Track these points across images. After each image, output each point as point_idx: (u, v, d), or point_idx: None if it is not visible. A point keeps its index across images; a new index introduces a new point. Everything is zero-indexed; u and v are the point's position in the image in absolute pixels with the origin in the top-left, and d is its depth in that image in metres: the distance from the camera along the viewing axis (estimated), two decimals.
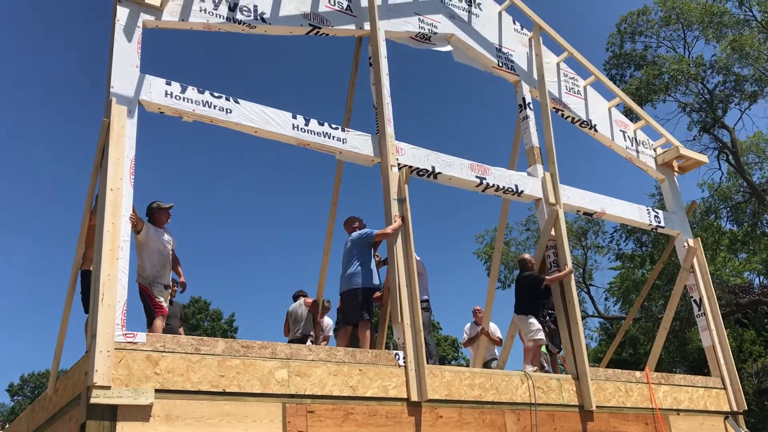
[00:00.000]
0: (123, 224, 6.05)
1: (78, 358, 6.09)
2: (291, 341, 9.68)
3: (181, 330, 8.86)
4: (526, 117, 10.18)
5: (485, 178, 9.10)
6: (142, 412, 5.56)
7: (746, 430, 10.03)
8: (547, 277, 9.21)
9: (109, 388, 5.45)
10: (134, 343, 5.74)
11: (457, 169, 8.88)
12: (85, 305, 6.97)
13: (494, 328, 11.62)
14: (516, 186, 9.37)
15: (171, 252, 7.48)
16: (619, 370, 9.50)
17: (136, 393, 5.55)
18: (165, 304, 7.06)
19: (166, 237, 7.39)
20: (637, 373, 9.50)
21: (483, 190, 9.16)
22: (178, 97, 6.98)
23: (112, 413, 5.44)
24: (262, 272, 69.60)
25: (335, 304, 9.76)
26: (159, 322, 6.88)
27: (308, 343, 9.54)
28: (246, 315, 62.05)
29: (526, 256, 10.01)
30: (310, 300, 9.98)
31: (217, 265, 67.26)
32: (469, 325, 11.86)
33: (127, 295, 5.92)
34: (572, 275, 9.22)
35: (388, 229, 7.78)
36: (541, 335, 9.30)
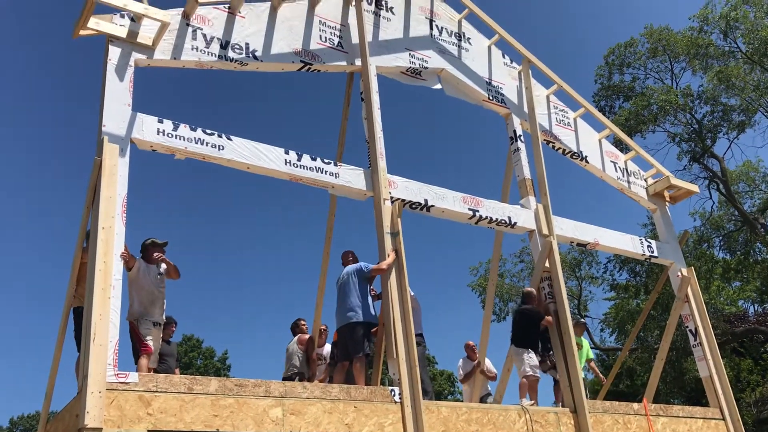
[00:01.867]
0: (115, 263, 6.01)
1: (69, 399, 6.00)
2: (284, 379, 9.56)
3: (176, 371, 8.75)
4: (518, 149, 10.24)
5: (478, 211, 9.11)
6: None
7: None
8: (546, 317, 9.17)
9: (101, 429, 5.36)
10: (126, 383, 5.66)
11: (450, 201, 8.90)
12: (78, 342, 6.89)
13: (489, 364, 11.52)
14: (509, 218, 9.39)
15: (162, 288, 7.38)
16: (617, 402, 9.42)
17: None
18: (151, 343, 6.97)
19: (157, 272, 7.31)
20: (635, 405, 9.42)
21: (476, 223, 9.16)
22: (170, 135, 7.00)
23: None
24: (256, 309, 69.15)
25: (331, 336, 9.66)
26: (144, 361, 6.79)
27: (296, 380, 9.40)
28: (240, 353, 61.49)
29: (531, 289, 9.90)
30: (305, 337, 9.87)
31: (211, 302, 66.82)
32: (461, 360, 11.75)
33: (119, 335, 5.86)
34: (567, 305, 9.19)
35: (383, 265, 7.75)
36: (537, 372, 9.21)
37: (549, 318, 9.16)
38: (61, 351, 7.08)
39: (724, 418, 10.18)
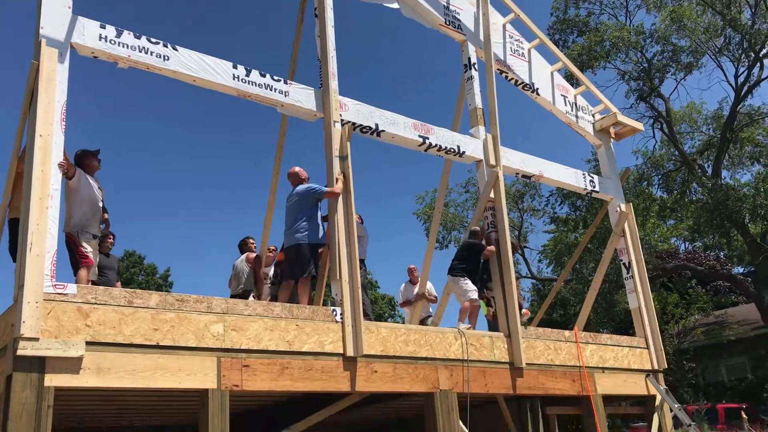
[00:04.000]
0: (53, 172, 5.83)
1: (4, 309, 5.90)
2: (233, 297, 9.57)
3: (118, 284, 8.66)
4: (471, 78, 10.19)
5: (428, 138, 9.11)
6: (72, 365, 5.44)
7: (665, 387, 10.53)
8: (489, 248, 9.36)
9: (37, 339, 5.31)
10: (64, 294, 5.59)
11: (400, 127, 8.86)
12: (12, 254, 6.72)
13: (430, 287, 11.77)
14: (458, 147, 9.42)
15: (101, 202, 7.24)
16: (549, 329, 9.81)
17: (66, 345, 5.43)
18: (91, 255, 6.86)
19: (96, 185, 7.15)
20: (566, 332, 9.82)
21: (425, 150, 9.17)
22: (113, 42, 6.70)
23: (40, 365, 5.31)
24: (201, 227, 68.50)
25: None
26: (83, 273, 6.68)
27: (250, 298, 9.43)
28: (182, 271, 61.17)
29: (478, 228, 10.05)
30: (252, 255, 9.83)
31: (153, 218, 65.84)
32: (404, 285, 11.97)
33: (57, 246, 5.74)
34: (508, 235, 9.38)
35: (336, 189, 7.73)
36: (475, 295, 9.48)
37: (491, 248, 9.36)
38: None
39: (648, 347, 10.73)
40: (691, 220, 25.39)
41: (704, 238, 26.89)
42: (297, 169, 8.50)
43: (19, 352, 5.19)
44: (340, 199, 7.80)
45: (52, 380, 5.33)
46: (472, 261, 9.51)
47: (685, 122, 25.95)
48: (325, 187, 7.95)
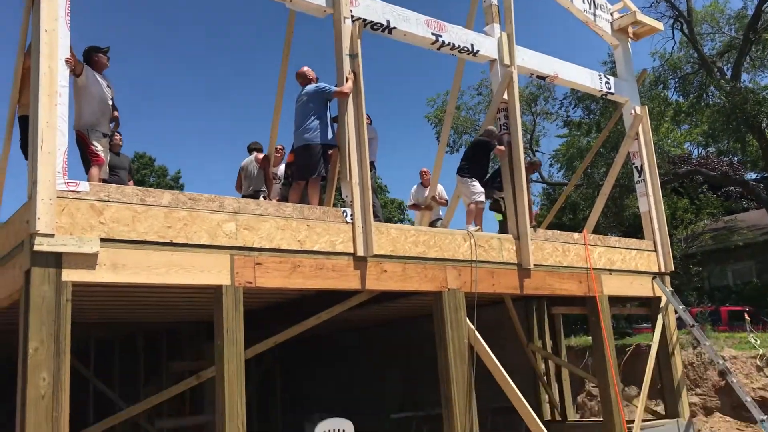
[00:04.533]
0: (60, 68, 5.74)
1: (19, 207, 5.96)
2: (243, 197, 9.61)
3: (130, 183, 8.70)
4: None
5: (441, 36, 8.87)
6: (88, 261, 5.55)
7: (671, 289, 10.68)
8: (498, 147, 9.29)
9: (53, 236, 5.39)
10: (77, 192, 5.63)
11: (413, 24, 8.61)
12: (24, 152, 6.74)
13: (441, 190, 11.78)
14: (472, 45, 9.19)
15: (111, 101, 7.18)
16: (558, 231, 9.88)
17: (81, 241, 5.51)
18: (102, 154, 6.86)
19: (106, 83, 7.07)
20: (575, 235, 9.89)
21: (438, 49, 8.96)
22: None
23: (57, 261, 5.42)
24: (210, 128, 68.23)
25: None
26: (95, 171, 6.70)
27: (260, 199, 9.47)
28: (193, 172, 61.44)
29: (493, 128, 9.92)
30: (261, 156, 9.81)
31: (163, 120, 65.55)
32: (415, 187, 11.97)
33: (67, 143, 5.73)
34: (521, 137, 9.29)
35: (346, 88, 7.61)
36: (482, 198, 9.49)
37: (501, 147, 9.29)
38: (7, 160, 6.95)
39: (656, 250, 10.82)
40: (706, 124, 25.02)
41: (718, 143, 26.58)
42: (305, 69, 8.35)
43: (36, 248, 5.29)
44: (350, 99, 7.69)
45: (69, 275, 5.45)
46: (481, 160, 9.47)
47: (706, 22, 25.09)
48: (335, 86, 7.83)
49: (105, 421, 6.41)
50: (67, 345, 5.35)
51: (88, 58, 6.96)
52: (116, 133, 8.58)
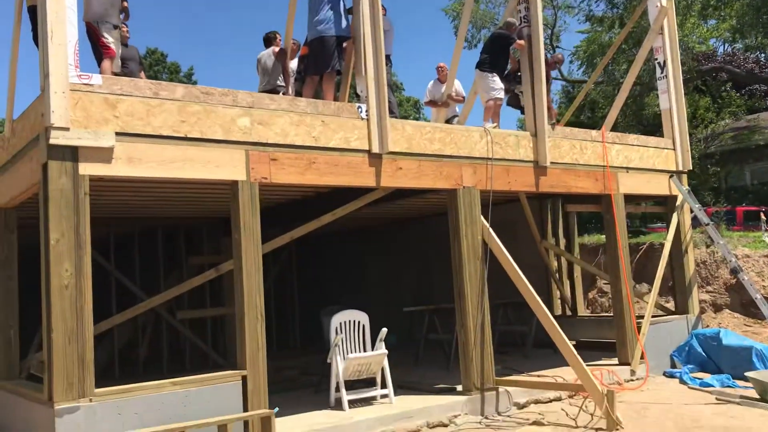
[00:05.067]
0: None
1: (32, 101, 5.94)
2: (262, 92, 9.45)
3: (141, 74, 8.58)
4: None
5: None
6: (103, 154, 5.57)
7: (688, 188, 10.62)
8: (518, 41, 9.03)
9: (68, 129, 5.39)
10: (90, 85, 5.59)
11: None
12: (36, 44, 6.64)
13: (458, 86, 11.56)
14: None
15: None
16: (576, 129, 9.75)
17: (96, 135, 5.52)
18: (113, 46, 6.74)
19: None
20: (593, 132, 9.76)
21: None
22: None
23: (73, 155, 5.45)
24: (223, 22, 66.70)
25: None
26: (107, 64, 6.62)
27: (282, 93, 9.32)
28: (206, 69, 60.64)
29: (514, 20, 9.62)
30: (278, 49, 9.58)
31: (175, 14, 64.07)
32: (431, 83, 11.72)
33: (78, 35, 5.63)
34: (541, 30, 9.02)
35: None
36: (501, 94, 9.33)
37: (521, 41, 9.03)
38: (17, 51, 6.85)
39: (674, 148, 10.68)
40: (735, 19, 24.06)
41: (746, 39, 25.65)
42: None
43: (52, 141, 5.30)
44: None
45: (86, 169, 5.49)
46: (500, 54, 9.24)
47: None
48: None
49: (127, 311, 6.63)
50: (87, 238, 5.46)
51: None
52: (123, 24, 8.39)
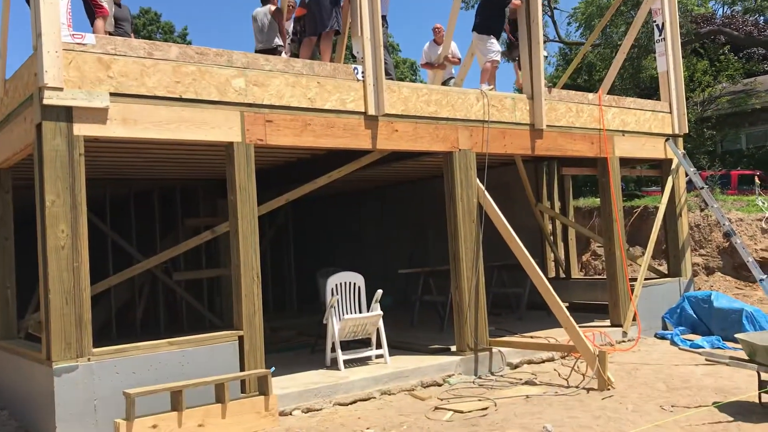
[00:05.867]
0: None
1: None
2: (259, 52, 9.35)
3: (132, 36, 8.48)
4: None
5: None
6: (98, 115, 5.55)
7: (683, 152, 10.62)
8: (514, 1, 8.94)
9: (61, 89, 5.35)
10: (83, 44, 5.53)
11: None
12: (29, 1, 6.54)
13: (454, 48, 11.46)
14: None
15: None
16: (573, 92, 9.70)
17: (91, 95, 5.48)
18: (106, 5, 6.65)
19: None
20: (590, 95, 9.72)
21: None
22: None
23: (67, 115, 5.42)
24: None
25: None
26: (100, 23, 6.54)
27: (283, 54, 9.21)
28: (201, 30, 59.84)
29: None
30: (274, 7, 9.44)
31: None
32: (427, 44, 11.61)
33: None
34: None
35: None
36: (498, 57, 9.26)
37: (517, 2, 8.94)
38: (8, 11, 6.74)
39: (671, 112, 10.65)
40: None
41: (745, 1, 25.41)
42: None
43: (46, 101, 5.27)
44: None
45: (81, 129, 5.47)
46: (496, 16, 9.15)
47: None
48: None
49: (124, 272, 6.66)
50: (83, 198, 5.46)
51: None
52: None
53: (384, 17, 8.52)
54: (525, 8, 8.93)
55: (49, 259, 5.28)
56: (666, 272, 10.96)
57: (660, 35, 10.80)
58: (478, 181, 8.12)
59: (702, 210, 13.14)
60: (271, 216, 11.24)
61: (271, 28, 9.25)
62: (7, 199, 7.26)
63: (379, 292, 7.84)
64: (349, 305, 7.92)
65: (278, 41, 9.25)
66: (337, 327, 7.56)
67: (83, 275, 5.42)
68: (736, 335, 6.47)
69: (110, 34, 6.89)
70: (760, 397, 5.86)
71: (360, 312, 7.93)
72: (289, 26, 9.62)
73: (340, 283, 7.90)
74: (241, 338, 6.24)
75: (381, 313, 7.79)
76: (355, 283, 7.99)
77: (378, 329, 7.79)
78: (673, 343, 9.20)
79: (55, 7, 5.37)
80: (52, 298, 5.28)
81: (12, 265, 7.32)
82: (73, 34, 5.46)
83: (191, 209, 12.05)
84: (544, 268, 11.72)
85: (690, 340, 9.14)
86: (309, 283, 12.56)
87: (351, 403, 6.60)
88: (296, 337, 10.31)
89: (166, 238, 11.85)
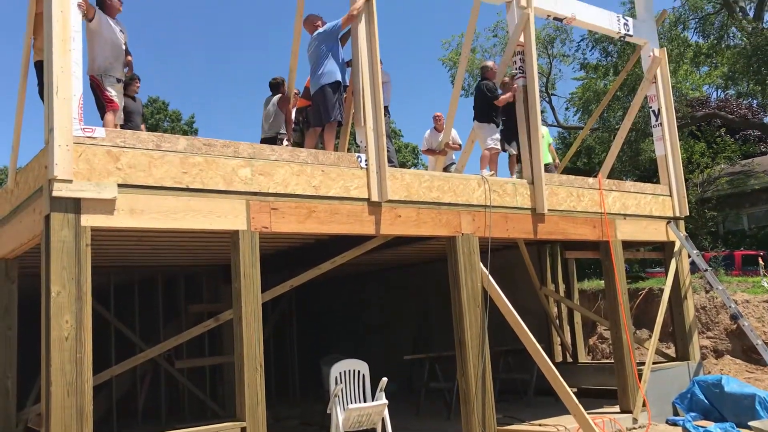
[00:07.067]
0: (72, 13, 5.70)
1: (36, 154, 6.02)
2: (263, 141, 9.58)
3: (143, 128, 8.72)
4: None
5: None
6: (106, 206, 5.62)
7: (685, 234, 10.67)
8: (501, 96, 9.23)
9: (71, 181, 5.45)
10: (93, 138, 5.67)
11: None
12: (42, 98, 6.76)
13: (455, 135, 11.72)
14: None
15: (124, 45, 7.15)
16: (573, 176, 9.84)
17: (99, 187, 5.58)
18: (117, 99, 6.87)
19: (119, 28, 7.03)
20: (590, 180, 9.85)
21: None
22: None
23: (76, 206, 5.49)
24: (224, 72, 67.69)
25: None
26: (110, 117, 6.73)
27: (285, 144, 9.44)
28: (207, 117, 61.31)
29: (489, 63, 9.98)
30: (279, 96, 9.72)
31: (176, 63, 65.03)
32: (428, 132, 11.89)
33: (82, 89, 5.74)
34: (536, 81, 9.19)
35: (353, 10, 7.50)
36: (494, 144, 9.46)
37: (505, 96, 9.22)
38: (23, 104, 6.96)
39: (671, 195, 10.77)
40: (726, 66, 24.50)
41: (738, 86, 26.07)
42: (311, 15, 8.30)
43: (55, 193, 5.36)
44: (363, 41, 7.59)
45: (88, 221, 5.53)
46: (488, 107, 9.43)
47: None
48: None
49: (126, 361, 6.60)
50: (88, 289, 5.47)
51: (100, 2, 6.91)
52: (136, 78, 8.58)
53: (386, 107, 8.78)
54: (523, 96, 9.19)
55: (53, 351, 5.24)
56: (674, 356, 10.80)
57: (656, 121, 11.05)
58: (482, 265, 8.14)
59: (707, 292, 13.07)
60: (274, 300, 11.21)
61: (277, 117, 9.52)
62: (12, 290, 7.27)
63: (384, 380, 7.72)
64: (354, 394, 7.79)
65: (282, 130, 9.50)
66: (341, 417, 7.41)
67: (86, 367, 5.37)
68: (750, 423, 6.34)
69: (122, 126, 7.08)
70: None
71: (365, 401, 7.79)
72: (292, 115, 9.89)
73: (344, 371, 7.79)
74: (243, 429, 6.11)
75: (386, 402, 7.66)
76: (359, 371, 7.89)
77: (384, 419, 7.64)
78: (685, 429, 8.98)
79: (68, 102, 5.54)
80: (53, 390, 5.21)
81: (14, 356, 7.25)
82: (84, 128, 5.60)
83: (194, 295, 12.04)
84: (550, 353, 11.57)
85: (703, 427, 8.92)
86: (312, 366, 12.40)
87: None
88: (299, 426, 10.10)
89: (169, 324, 11.78)
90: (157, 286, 11.94)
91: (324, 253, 7.97)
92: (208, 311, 10.82)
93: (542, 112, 12.62)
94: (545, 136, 11.88)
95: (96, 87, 6.84)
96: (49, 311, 5.29)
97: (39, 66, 6.69)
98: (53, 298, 5.29)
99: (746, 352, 12.14)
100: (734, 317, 10.26)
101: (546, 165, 11.52)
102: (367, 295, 14.96)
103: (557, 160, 12.35)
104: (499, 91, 9.47)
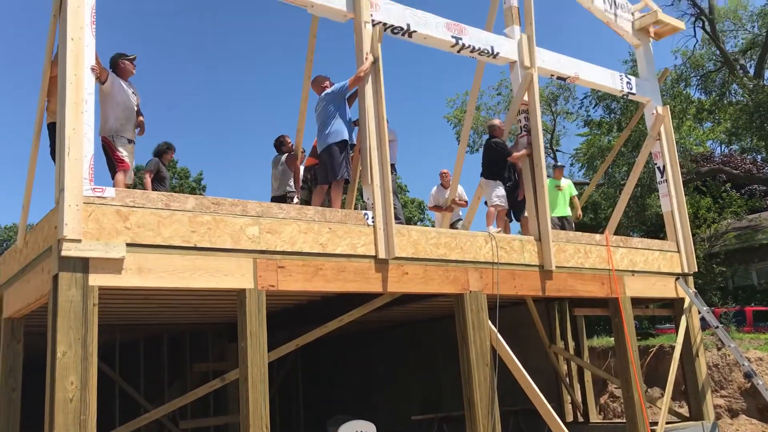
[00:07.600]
0: (86, 76, 5.83)
1: (46, 212, 6.07)
2: (273, 199, 9.67)
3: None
4: None
5: (461, 39, 8.87)
6: (114, 265, 5.63)
7: (694, 290, 10.59)
8: (514, 153, 9.33)
9: (80, 241, 5.48)
10: (103, 197, 5.72)
11: (432, 27, 8.62)
12: (54, 159, 6.86)
13: (461, 191, 11.79)
14: (492, 47, 9.17)
15: (136, 107, 7.28)
16: (580, 233, 9.83)
17: (108, 246, 5.60)
18: (128, 159, 6.97)
19: (131, 90, 7.18)
20: (597, 236, 9.84)
21: (458, 51, 8.95)
22: None
23: (84, 266, 5.50)
24: (232, 130, 68.68)
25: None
26: (121, 177, 6.81)
27: (295, 201, 9.53)
28: (216, 174, 61.90)
29: (496, 122, 10.10)
30: (286, 155, 9.84)
31: (185, 122, 66.07)
32: (435, 188, 11.98)
33: (93, 150, 5.82)
34: (541, 138, 9.29)
35: (360, 72, 7.64)
36: (503, 201, 9.50)
37: (516, 155, 9.31)
38: (35, 164, 7.06)
39: (678, 251, 10.73)
40: (729, 122, 24.73)
41: (741, 141, 26.26)
42: (318, 77, 8.50)
43: (64, 253, 5.38)
44: (371, 100, 7.71)
45: (96, 280, 5.53)
46: (496, 164, 9.51)
47: (728, 19, 24.81)
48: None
49: (130, 423, 6.50)
50: (94, 349, 5.43)
51: (114, 65, 7.07)
52: (172, 148, 9.35)
53: (392, 165, 8.87)
54: (529, 155, 9.25)
55: (57, 413, 5.18)
56: (687, 415, 10.58)
57: (662, 177, 11.10)
58: (490, 323, 8.06)
59: (719, 349, 12.88)
60: (280, 359, 11.10)
61: (284, 175, 9.61)
62: (18, 349, 7.24)
63: None
64: None
65: (290, 188, 9.59)
66: None
67: (90, 429, 5.29)
68: None
69: (154, 188, 7.37)
70: None
71: None
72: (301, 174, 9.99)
73: None
74: None
75: None
76: None
77: None
78: None
79: (79, 163, 5.61)
80: None
81: (18, 416, 7.17)
82: (94, 188, 5.66)
83: (200, 353, 11.94)
84: (561, 412, 11.36)
85: None
86: (318, 426, 12.17)
87: None
88: None
89: (174, 384, 11.65)
90: (162, 344, 11.86)
91: (331, 311, 7.93)
92: (214, 370, 10.71)
93: (562, 167, 12.67)
94: (567, 188, 12.00)
95: (107, 147, 6.94)
96: (54, 372, 5.24)
97: (52, 128, 6.81)
98: (59, 359, 5.25)
99: (762, 411, 11.89)
100: (748, 375, 10.09)
101: (566, 218, 11.64)
102: (374, 352, 14.80)
103: (579, 213, 12.34)
104: (510, 145, 9.58)
